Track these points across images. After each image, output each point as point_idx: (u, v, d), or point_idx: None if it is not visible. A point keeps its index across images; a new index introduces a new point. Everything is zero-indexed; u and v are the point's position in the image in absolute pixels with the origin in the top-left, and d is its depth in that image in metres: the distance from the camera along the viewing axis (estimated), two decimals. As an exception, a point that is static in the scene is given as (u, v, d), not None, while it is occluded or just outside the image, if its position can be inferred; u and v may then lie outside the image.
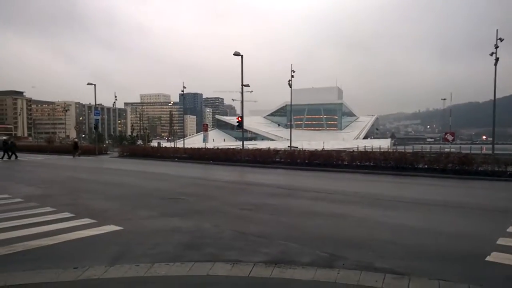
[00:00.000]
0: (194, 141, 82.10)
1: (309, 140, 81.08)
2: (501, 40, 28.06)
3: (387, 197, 12.05)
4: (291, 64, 41.87)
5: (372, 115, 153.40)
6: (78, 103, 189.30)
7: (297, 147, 42.64)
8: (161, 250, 6.44)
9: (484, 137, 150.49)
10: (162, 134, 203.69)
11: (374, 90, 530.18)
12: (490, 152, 29.46)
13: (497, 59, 27.90)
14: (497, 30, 28.21)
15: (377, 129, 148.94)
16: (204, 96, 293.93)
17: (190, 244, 6.77)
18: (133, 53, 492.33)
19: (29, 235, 7.23)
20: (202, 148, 33.23)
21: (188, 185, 15.50)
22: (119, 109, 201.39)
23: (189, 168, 23.97)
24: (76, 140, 45.61)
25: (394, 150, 27.56)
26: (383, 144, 73.78)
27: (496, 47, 27.99)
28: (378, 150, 31.49)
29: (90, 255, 6.22)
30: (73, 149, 37.57)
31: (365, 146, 53.20)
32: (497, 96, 28.96)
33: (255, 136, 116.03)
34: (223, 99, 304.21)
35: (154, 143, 65.21)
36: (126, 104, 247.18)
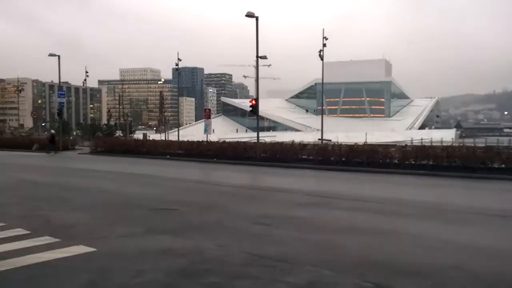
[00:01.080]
0: (193, 132, 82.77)
1: (347, 131, 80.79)
2: None
3: (451, 207, 11.97)
4: (323, 29, 41.20)
5: (431, 98, 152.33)
6: (36, 80, 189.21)
7: (330, 140, 42.58)
8: (148, 279, 6.40)
9: None
10: (150, 123, 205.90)
11: (434, 64, 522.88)
12: None
13: None
14: None
15: (438, 116, 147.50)
16: (206, 72, 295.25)
17: (187, 271, 6.71)
18: (113, 15, 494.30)
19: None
20: (203, 141, 33.51)
21: (184, 190, 15.66)
22: (92, 88, 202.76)
23: (185, 168, 24.23)
24: (53, 132, 46.31)
25: (461, 145, 27.24)
26: (446, 136, 73.03)
27: None
28: (439, 144, 31.23)
29: (52, 287, 6.17)
30: (49, 143, 38.42)
31: (421, 139, 52.94)
32: None
33: (275, 126, 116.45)
34: (231, 75, 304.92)
35: (139, 135, 65.87)
36: (101, 82, 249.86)
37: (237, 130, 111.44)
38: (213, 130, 38.34)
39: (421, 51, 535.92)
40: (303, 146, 27.38)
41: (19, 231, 9.09)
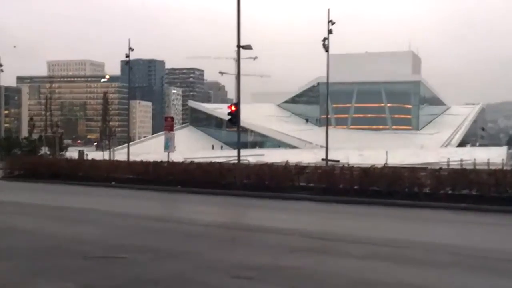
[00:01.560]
0: (149, 149, 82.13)
1: (361, 149, 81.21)
2: None
3: (503, 254, 12.02)
4: (328, 9, 41.43)
5: (475, 104, 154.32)
6: None
7: (338, 161, 42.72)
8: None
9: None
10: (89, 136, 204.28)
11: (478, 59, 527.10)
12: None
13: None
14: None
15: (483, 129, 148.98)
16: (168, 66, 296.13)
17: None
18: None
19: None
20: (163, 162, 33.64)
21: (135, 231, 15.67)
22: (8, 88, 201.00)
23: (138, 200, 24.31)
24: None
25: None
26: (495, 156, 72.84)
27: None
28: (486, 167, 31.25)
29: None
30: None
31: (461, 160, 53.08)
32: None
33: (263, 141, 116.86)
34: (202, 72, 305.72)
35: (73, 153, 65.42)
36: (21, 79, 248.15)
37: (212, 146, 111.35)
38: (174, 147, 38.07)
39: (459, 42, 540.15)
40: (301, 169, 27.54)
41: None
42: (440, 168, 25.01)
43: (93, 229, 15.80)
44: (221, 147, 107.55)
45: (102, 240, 13.93)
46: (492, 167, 29.39)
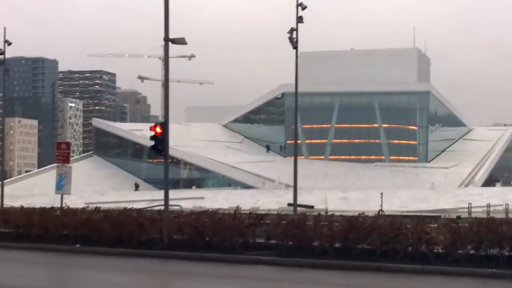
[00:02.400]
0: (34, 190, 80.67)
1: (345, 189, 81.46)
2: None
3: None
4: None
5: (506, 125, 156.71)
6: None
7: (312, 207, 42.68)
8: None
9: None
10: None
11: (506, 60, 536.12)
12: None
13: None
14: None
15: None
16: (63, 68, 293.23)
17: None
18: None
19: None
20: (54, 209, 33.24)
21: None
22: None
23: (14, 265, 24.03)
24: None
25: None
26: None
27: None
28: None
29: None
30: None
31: (488, 206, 53.38)
32: None
33: (202, 177, 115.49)
34: (114, 76, 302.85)
35: None
36: None
37: (136, 185, 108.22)
38: (71, 188, 37.43)
39: (480, 40, 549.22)
40: (258, 219, 27.30)
41: None
42: (459, 217, 24.98)
43: None
44: (136, 187, 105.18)
45: None
46: None
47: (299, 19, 41.37)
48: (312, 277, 21.19)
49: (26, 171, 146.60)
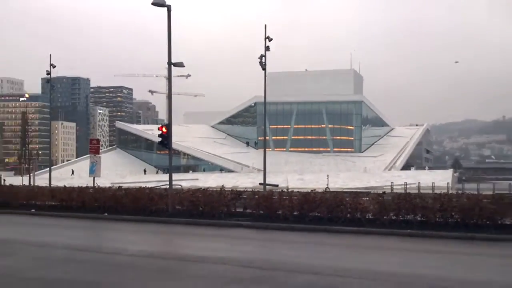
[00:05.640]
0: (75, 173, 77.94)
1: (301, 172, 79.80)
2: None
3: (447, 282, 11.23)
4: (265, 26, 39.38)
5: (418, 125, 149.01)
6: None
7: (277, 186, 41.89)
8: None
9: None
10: (7, 159, 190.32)
11: (422, 79, 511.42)
12: None
13: None
14: None
15: (428, 152, 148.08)
16: (94, 85, 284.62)
17: None
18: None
19: None
20: (88, 187, 30.88)
21: (55, 262, 13.97)
22: None
23: (60, 229, 22.38)
24: None
25: (460, 192, 25.63)
26: (440, 179, 71.76)
27: None
28: (431, 191, 30.99)
29: None
30: None
31: (405, 184, 52.08)
32: None
33: (197, 164, 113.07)
34: (131, 90, 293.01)
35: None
36: None
37: (144, 170, 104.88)
38: (100, 172, 34.97)
39: (403, 61, 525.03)
40: (237, 194, 25.85)
41: None
42: (384, 193, 23.81)
43: (9, 261, 13.88)
44: (157, 172, 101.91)
45: (16, 272, 12.10)
46: (437, 191, 28.79)
47: (267, 48, 39.13)
48: (277, 236, 20.10)
49: (67, 160, 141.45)
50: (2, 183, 42.74)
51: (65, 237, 20.28)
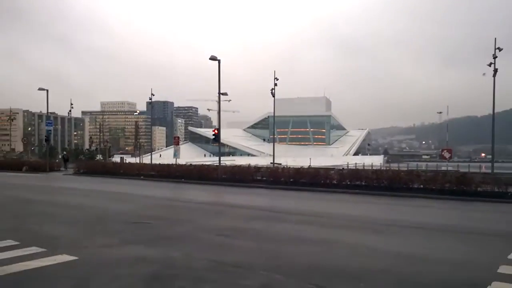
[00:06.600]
0: (163, 157, 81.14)
1: (294, 156, 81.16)
2: (500, 49, 29.08)
3: (380, 221, 12.16)
4: (274, 71, 41.74)
5: (363, 129, 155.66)
6: (27, 111, 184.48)
7: (280, 164, 42.50)
8: (123, 284, 6.24)
9: (483, 154, 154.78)
10: (126, 148, 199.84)
11: (366, 102, 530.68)
12: (490, 171, 30.18)
13: (495, 70, 28.77)
14: (495, 39, 29.21)
15: (368, 145, 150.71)
16: (175, 105, 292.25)
17: (158, 276, 6.56)
18: (93, 54, 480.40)
19: (-37, 267, 6.87)
20: (172, 164, 32.75)
21: (156, 207, 15.27)
22: (76, 118, 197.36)
23: (157, 188, 23.61)
24: (65, 153, 45.13)
25: (387, 168, 27.92)
26: (376, 161, 74.35)
27: (495, 57, 28.92)
28: (370, 168, 31.68)
29: (38, 290, 5.96)
30: (64, 162, 41.76)
31: (355, 164, 53.49)
32: (496, 110, 29.85)
33: (234, 151, 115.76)
34: (197, 108, 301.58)
35: (116, 158, 64.24)
36: (84, 112, 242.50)
37: (204, 155, 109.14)
38: (179, 155, 37.36)
39: (355, 91, 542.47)
40: (257, 168, 27.05)
41: (9, 242, 8.69)
42: (343, 169, 25.24)
43: (129, 205, 15.34)
44: (210, 155, 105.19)
45: (135, 212, 13.57)
46: (374, 168, 29.77)
47: (275, 85, 41.18)
48: (280, 193, 21.00)
49: (160, 149, 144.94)
50: (124, 162, 46.27)
51: (159, 192, 20.96)
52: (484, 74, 31.09)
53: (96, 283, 6.25)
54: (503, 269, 7.07)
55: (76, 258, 7.54)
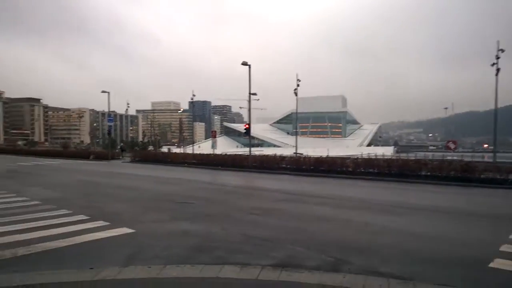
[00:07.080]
0: (202, 148, 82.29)
1: (314, 147, 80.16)
2: (502, 51, 27.83)
3: (390, 203, 11.95)
4: (297, 74, 41.67)
5: (375, 123, 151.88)
6: (92, 110, 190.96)
7: (302, 154, 42.23)
8: (172, 252, 6.47)
9: (485, 145, 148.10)
10: (172, 140, 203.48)
11: (377, 99, 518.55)
12: (492, 160, 29.05)
13: (498, 70, 27.66)
14: (498, 42, 28.01)
15: (380, 137, 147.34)
16: (212, 104, 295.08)
17: (200, 247, 6.78)
18: (145, 61, 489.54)
19: (47, 236, 7.31)
20: (210, 154, 32.99)
21: (197, 189, 15.46)
22: (131, 116, 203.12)
23: (198, 173, 23.85)
24: (122, 145, 46.77)
25: (397, 158, 27.18)
26: (386, 151, 72.69)
27: (498, 57, 27.75)
28: (382, 157, 31.02)
29: (105, 256, 6.26)
30: (121, 152, 42.44)
31: (368, 153, 52.41)
32: (498, 106, 28.66)
33: (262, 143, 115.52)
34: (230, 106, 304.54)
35: (165, 149, 65.43)
36: (138, 111, 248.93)
37: (237, 146, 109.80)
38: (216, 147, 37.54)
39: (368, 89, 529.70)
40: (282, 158, 26.90)
41: (81, 217, 9.16)
42: (357, 158, 24.61)
43: (176, 188, 15.61)
44: (242, 146, 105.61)
45: (181, 194, 13.76)
46: (385, 157, 29.08)
47: (298, 85, 41.08)
48: (302, 179, 20.76)
49: (199, 141, 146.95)
50: (171, 152, 47.34)
51: (200, 177, 20.68)
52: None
53: (150, 251, 6.51)
54: (505, 248, 6.88)
55: (134, 231, 7.83)
